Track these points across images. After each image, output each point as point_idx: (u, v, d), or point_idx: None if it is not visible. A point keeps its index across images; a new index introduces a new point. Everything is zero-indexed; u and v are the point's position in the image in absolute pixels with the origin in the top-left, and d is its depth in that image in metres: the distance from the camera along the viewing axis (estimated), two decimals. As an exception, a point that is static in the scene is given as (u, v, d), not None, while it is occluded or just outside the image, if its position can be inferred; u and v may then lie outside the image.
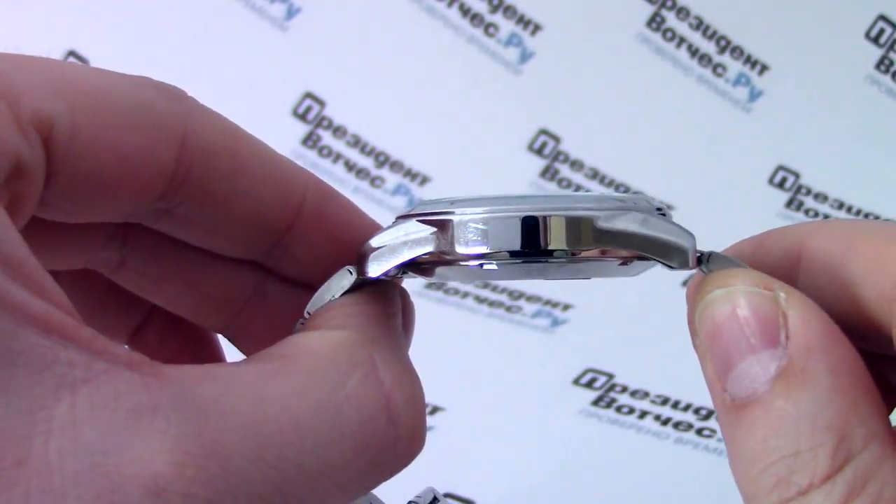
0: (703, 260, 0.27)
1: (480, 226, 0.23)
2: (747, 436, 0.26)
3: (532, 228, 0.23)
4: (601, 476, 0.71)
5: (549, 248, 0.23)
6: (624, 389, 0.76)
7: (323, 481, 0.21)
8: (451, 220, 0.23)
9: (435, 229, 0.23)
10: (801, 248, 0.29)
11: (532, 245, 0.23)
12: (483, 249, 0.23)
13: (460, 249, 0.23)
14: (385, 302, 0.27)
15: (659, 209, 0.26)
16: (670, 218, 0.26)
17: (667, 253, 0.25)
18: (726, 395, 0.26)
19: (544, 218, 0.23)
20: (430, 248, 0.23)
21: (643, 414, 0.76)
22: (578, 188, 0.76)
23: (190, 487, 0.18)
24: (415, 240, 0.24)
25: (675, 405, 0.76)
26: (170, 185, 0.25)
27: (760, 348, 0.27)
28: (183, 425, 0.18)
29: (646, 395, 0.76)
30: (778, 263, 0.29)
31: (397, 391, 0.23)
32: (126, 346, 0.22)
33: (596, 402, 0.76)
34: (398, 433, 0.23)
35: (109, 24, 0.74)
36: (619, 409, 0.76)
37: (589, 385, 0.76)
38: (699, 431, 0.75)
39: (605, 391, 0.76)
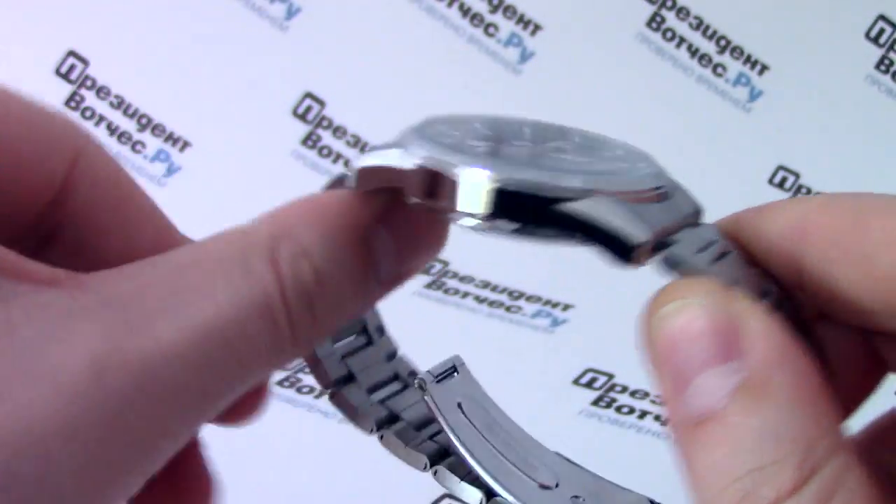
0: (669, 263, 0.24)
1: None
2: (708, 453, 0.25)
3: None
4: (601, 475, 0.71)
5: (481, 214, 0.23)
6: (624, 389, 0.76)
7: (238, 343, 0.23)
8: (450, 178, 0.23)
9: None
10: (807, 221, 0.28)
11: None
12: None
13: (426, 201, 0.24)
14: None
15: (659, 189, 0.25)
16: (668, 202, 0.25)
17: (608, 240, 0.23)
18: (683, 412, 0.26)
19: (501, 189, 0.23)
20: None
21: (643, 414, 0.76)
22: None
23: (126, 362, 0.20)
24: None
25: (675, 405, 0.76)
26: (55, 199, 0.26)
27: (718, 362, 0.26)
28: (113, 316, 0.21)
29: (646, 394, 0.76)
30: (782, 235, 0.28)
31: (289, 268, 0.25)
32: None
33: (596, 402, 0.76)
34: (291, 308, 0.25)
35: (109, 24, 0.74)
36: (619, 409, 0.76)
37: (589, 385, 0.75)
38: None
39: (605, 391, 0.76)
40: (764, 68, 0.78)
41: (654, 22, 0.77)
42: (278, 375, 0.65)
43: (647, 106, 0.78)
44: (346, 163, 0.77)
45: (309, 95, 0.76)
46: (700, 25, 0.77)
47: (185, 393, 0.22)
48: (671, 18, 0.77)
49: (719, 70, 0.78)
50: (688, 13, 0.77)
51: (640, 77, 0.78)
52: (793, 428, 0.26)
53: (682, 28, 0.77)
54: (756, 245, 0.27)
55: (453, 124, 0.27)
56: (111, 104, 0.74)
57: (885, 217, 0.26)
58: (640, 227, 0.23)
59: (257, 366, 0.25)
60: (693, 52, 0.77)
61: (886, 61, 0.77)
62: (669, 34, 0.77)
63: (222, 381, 0.23)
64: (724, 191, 0.82)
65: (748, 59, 0.78)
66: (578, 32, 0.78)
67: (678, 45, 0.77)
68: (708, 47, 0.77)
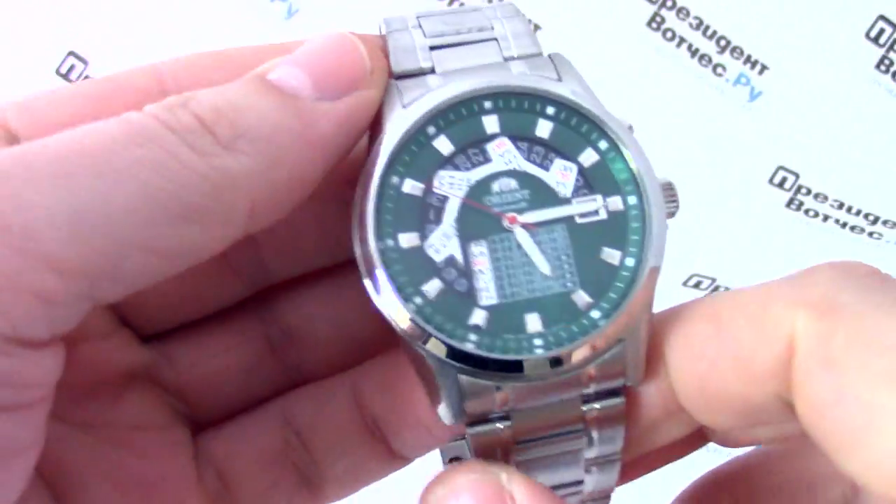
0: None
1: None
2: None
3: None
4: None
5: None
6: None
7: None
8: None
9: None
10: (663, 341, 0.33)
11: None
12: None
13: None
14: None
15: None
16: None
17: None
18: None
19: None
20: None
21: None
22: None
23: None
24: None
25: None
26: None
27: None
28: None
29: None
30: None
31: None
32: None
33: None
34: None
35: (109, 25, 0.74)
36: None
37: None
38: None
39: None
40: (764, 68, 0.78)
41: (654, 22, 0.77)
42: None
43: (646, 105, 0.78)
44: None
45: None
46: (700, 25, 0.77)
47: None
48: (671, 18, 0.77)
49: (719, 70, 0.78)
50: (688, 13, 0.77)
51: (640, 77, 0.78)
52: None
53: (682, 28, 0.77)
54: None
55: None
56: (111, 104, 0.74)
57: (747, 313, 0.31)
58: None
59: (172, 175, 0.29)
60: (693, 52, 0.77)
61: (886, 61, 0.78)
62: (669, 34, 0.77)
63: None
64: (725, 191, 0.82)
65: (748, 59, 0.78)
66: (578, 33, 0.78)
67: (678, 45, 0.77)
68: (708, 47, 0.77)
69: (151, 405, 0.38)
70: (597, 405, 0.34)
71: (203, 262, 0.32)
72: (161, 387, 0.39)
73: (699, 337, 0.32)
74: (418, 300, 0.34)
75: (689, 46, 0.77)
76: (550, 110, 0.36)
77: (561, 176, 0.35)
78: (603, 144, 0.35)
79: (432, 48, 0.36)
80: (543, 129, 0.36)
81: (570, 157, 0.35)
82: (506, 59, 0.36)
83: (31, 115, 0.31)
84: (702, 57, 0.77)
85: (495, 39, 0.36)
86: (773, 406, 0.30)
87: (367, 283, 0.34)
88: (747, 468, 0.37)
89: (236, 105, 0.31)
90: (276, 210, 0.32)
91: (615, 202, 0.35)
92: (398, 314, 0.34)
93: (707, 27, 0.77)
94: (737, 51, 0.77)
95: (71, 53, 0.74)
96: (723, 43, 0.77)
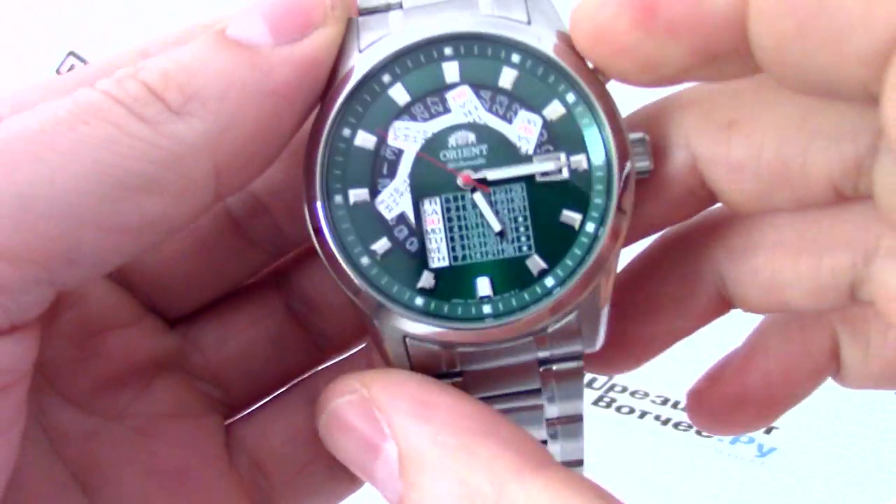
0: None
1: None
2: None
3: None
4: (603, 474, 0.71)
5: None
6: (624, 390, 0.76)
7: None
8: None
9: None
10: (745, 10, 0.28)
11: None
12: None
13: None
14: None
15: None
16: None
17: None
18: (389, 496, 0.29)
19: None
20: None
21: (643, 414, 0.76)
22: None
23: None
24: None
25: (675, 405, 0.76)
26: None
27: (375, 454, 0.30)
28: None
29: (646, 395, 0.76)
30: (717, 28, 0.28)
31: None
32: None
33: (596, 402, 0.76)
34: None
35: (109, 25, 0.74)
36: (619, 410, 0.76)
37: (588, 385, 0.76)
38: (699, 431, 0.75)
39: (605, 391, 0.76)
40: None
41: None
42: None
43: (645, 102, 0.78)
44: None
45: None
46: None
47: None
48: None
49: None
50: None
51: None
52: (456, 490, 0.28)
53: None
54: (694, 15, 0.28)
55: None
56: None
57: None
58: None
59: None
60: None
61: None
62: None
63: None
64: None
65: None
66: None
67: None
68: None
69: (181, 392, 0.38)
70: (553, 366, 0.34)
71: (180, 231, 0.31)
72: (190, 373, 0.38)
73: None
74: (365, 260, 0.32)
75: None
76: (515, 58, 0.33)
77: (524, 130, 0.33)
78: (570, 97, 0.33)
79: None
80: (507, 78, 0.33)
81: (535, 109, 0.33)
82: None
83: (23, 108, 0.31)
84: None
85: None
86: (853, 91, 0.27)
87: (314, 241, 0.33)
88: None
89: (187, 67, 0.29)
90: (248, 169, 0.31)
91: (579, 161, 0.33)
92: (343, 275, 0.32)
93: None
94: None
95: (71, 53, 0.74)
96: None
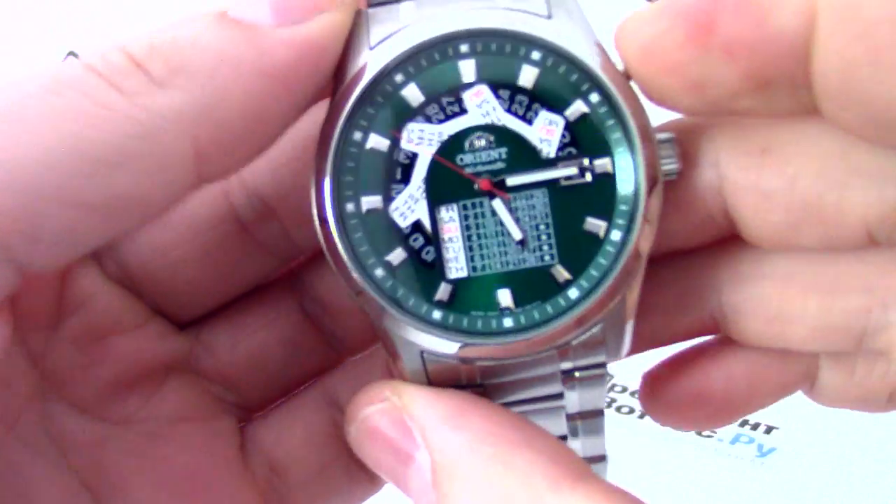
0: None
1: None
2: None
3: None
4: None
5: None
6: (624, 390, 0.76)
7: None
8: None
9: None
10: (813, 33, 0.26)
11: None
12: None
13: None
14: None
15: None
16: None
17: None
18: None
19: None
20: None
21: (643, 414, 0.76)
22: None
23: None
24: None
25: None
26: None
27: (407, 463, 0.29)
28: None
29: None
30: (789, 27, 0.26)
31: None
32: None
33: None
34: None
35: (109, 24, 0.74)
36: (619, 410, 0.76)
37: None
38: (699, 431, 0.75)
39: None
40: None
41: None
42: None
43: (645, 104, 0.78)
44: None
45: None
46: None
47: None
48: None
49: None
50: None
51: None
52: (492, 498, 0.27)
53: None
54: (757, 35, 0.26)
55: None
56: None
57: None
58: None
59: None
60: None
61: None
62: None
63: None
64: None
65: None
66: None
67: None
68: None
69: (192, 395, 0.37)
70: (576, 373, 0.32)
71: (158, 214, 0.29)
72: (202, 375, 0.38)
73: None
74: (379, 272, 0.31)
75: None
76: (535, 55, 0.31)
77: (545, 132, 0.31)
78: (594, 97, 0.31)
79: None
80: (527, 76, 0.31)
81: (557, 109, 0.31)
82: None
83: None
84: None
85: None
86: None
87: (325, 250, 0.31)
88: None
89: (177, 39, 0.28)
90: (233, 152, 0.30)
91: (604, 164, 0.31)
92: (356, 287, 0.31)
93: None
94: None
95: (71, 54, 0.74)
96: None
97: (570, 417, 0.34)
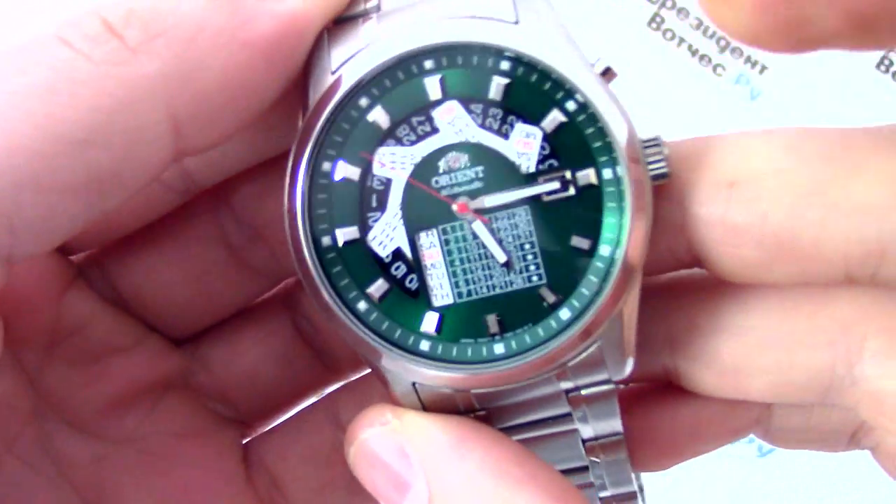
0: None
1: None
2: None
3: None
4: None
5: None
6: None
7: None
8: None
9: None
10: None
11: None
12: None
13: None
14: None
15: None
16: None
17: None
18: None
19: None
20: None
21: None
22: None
23: None
24: None
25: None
26: None
27: (404, 491, 0.28)
28: None
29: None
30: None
31: None
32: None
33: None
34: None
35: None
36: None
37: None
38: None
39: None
40: (764, 68, 0.78)
41: (655, 22, 0.77)
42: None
43: (646, 105, 0.78)
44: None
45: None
46: (700, 25, 0.77)
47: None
48: (671, 18, 0.77)
49: (719, 70, 0.77)
50: (688, 14, 0.77)
51: (640, 76, 0.78)
52: None
53: (682, 28, 0.77)
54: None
55: None
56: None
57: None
58: None
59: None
60: (693, 52, 0.77)
61: (886, 61, 0.77)
62: (669, 34, 0.77)
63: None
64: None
65: (748, 59, 0.77)
66: (579, 32, 0.78)
67: (678, 45, 0.77)
68: (708, 47, 0.77)
69: (190, 412, 0.37)
70: (581, 391, 0.30)
71: (133, 191, 0.28)
72: (199, 392, 0.38)
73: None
74: (362, 305, 0.30)
75: (689, 46, 0.77)
76: (505, 65, 0.29)
77: (523, 145, 0.29)
78: (570, 105, 0.29)
79: None
80: (498, 88, 0.29)
81: (533, 120, 0.29)
82: None
83: None
84: (702, 57, 0.77)
85: None
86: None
87: (305, 287, 0.30)
88: None
89: (156, 6, 0.27)
90: (212, 126, 0.28)
91: (587, 175, 0.29)
92: (340, 324, 0.30)
93: (707, 27, 0.77)
94: (737, 51, 0.77)
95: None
96: (723, 43, 0.77)
97: (589, 446, 0.32)
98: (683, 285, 0.33)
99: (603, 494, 0.33)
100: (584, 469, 0.33)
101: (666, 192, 0.30)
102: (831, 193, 0.27)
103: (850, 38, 0.24)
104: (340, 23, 0.30)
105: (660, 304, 0.33)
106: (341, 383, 0.39)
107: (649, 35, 0.77)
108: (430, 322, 0.30)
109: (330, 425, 0.37)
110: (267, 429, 0.39)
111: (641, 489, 0.34)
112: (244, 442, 0.39)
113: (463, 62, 0.30)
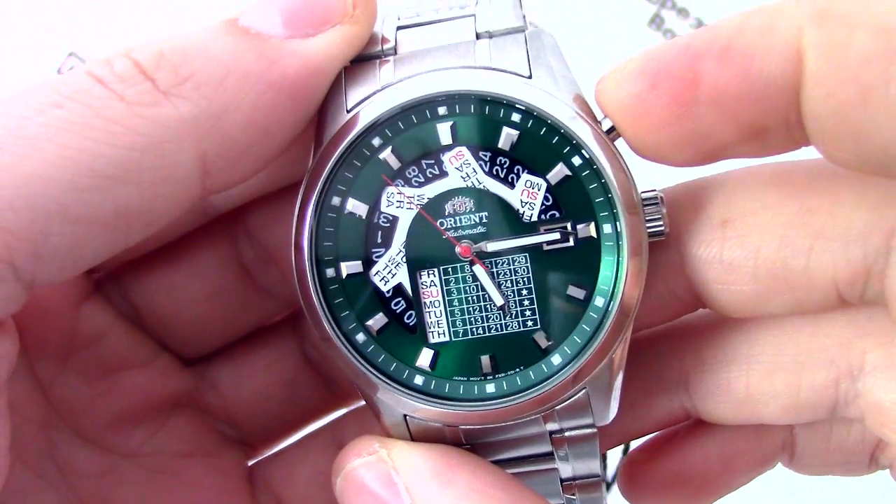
0: None
1: None
2: None
3: None
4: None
5: None
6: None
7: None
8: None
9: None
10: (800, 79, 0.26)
11: None
12: None
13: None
14: None
15: None
16: None
17: None
18: None
19: None
20: None
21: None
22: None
23: None
24: None
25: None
26: None
27: None
28: None
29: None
30: (778, 69, 0.26)
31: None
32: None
33: None
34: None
35: (109, 26, 0.74)
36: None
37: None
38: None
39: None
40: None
41: (655, 22, 0.77)
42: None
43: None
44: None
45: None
46: (700, 25, 0.77)
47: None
48: (671, 18, 0.77)
49: (719, 70, 0.78)
50: (688, 14, 0.77)
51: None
52: None
53: (682, 28, 0.77)
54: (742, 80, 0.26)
55: None
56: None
57: None
58: None
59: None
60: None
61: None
62: (669, 35, 0.77)
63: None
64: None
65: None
66: (580, 32, 0.78)
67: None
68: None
69: (198, 431, 0.38)
70: (565, 433, 0.32)
71: (159, 225, 0.29)
72: (207, 412, 0.38)
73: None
74: (361, 337, 0.31)
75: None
76: (515, 117, 0.30)
77: (527, 195, 0.31)
78: (576, 160, 0.30)
79: (399, 28, 0.31)
80: (507, 138, 0.30)
81: (539, 172, 0.31)
82: (478, 36, 0.31)
83: None
84: (702, 57, 0.77)
85: (473, 15, 0.31)
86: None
87: (307, 316, 0.31)
88: None
89: (185, 48, 0.27)
90: (239, 164, 0.29)
91: (587, 229, 0.30)
92: (338, 353, 0.31)
93: (707, 27, 0.77)
94: (737, 51, 0.77)
95: (71, 54, 0.73)
96: (723, 43, 0.77)
97: (567, 486, 0.33)
98: (689, 327, 0.34)
99: None
100: None
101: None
102: (816, 222, 0.29)
103: (744, 146, 0.27)
104: (357, 62, 0.31)
105: (668, 347, 0.34)
106: (346, 409, 0.40)
107: (649, 35, 0.77)
108: (425, 358, 0.31)
109: (334, 449, 0.37)
110: (272, 452, 0.40)
111: None
112: (250, 464, 0.39)
113: (475, 111, 0.31)
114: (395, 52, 0.31)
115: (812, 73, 0.25)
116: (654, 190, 0.31)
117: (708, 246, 0.30)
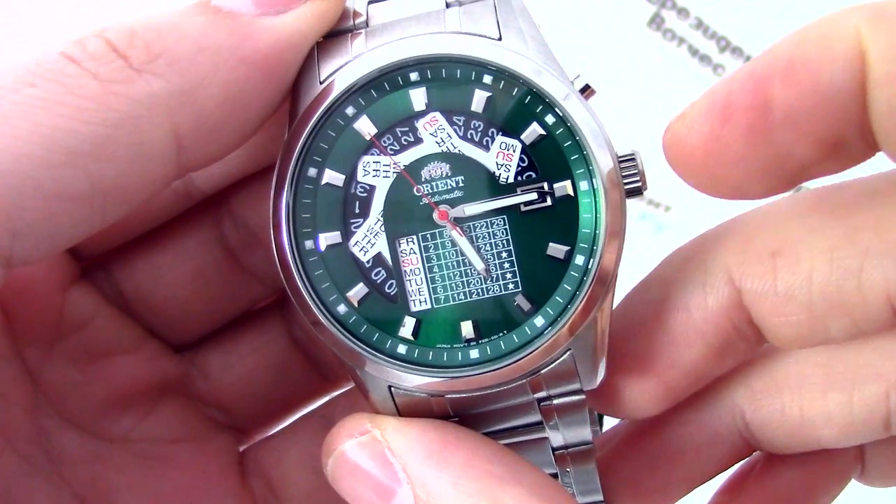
0: None
1: None
2: None
3: None
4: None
5: None
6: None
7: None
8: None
9: None
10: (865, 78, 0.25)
11: None
12: None
13: None
14: None
15: None
16: None
17: None
18: None
19: None
20: None
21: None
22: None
23: None
24: None
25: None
26: None
27: (387, 498, 0.28)
28: None
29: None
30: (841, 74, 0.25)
31: None
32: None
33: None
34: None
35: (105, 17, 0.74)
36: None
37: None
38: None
39: None
40: (764, 68, 0.78)
41: (655, 22, 0.77)
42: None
43: (647, 105, 0.78)
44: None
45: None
46: (700, 25, 0.77)
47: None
48: (671, 18, 0.77)
49: (719, 70, 0.77)
50: (688, 14, 0.77)
51: (641, 76, 0.78)
52: None
53: (682, 28, 0.77)
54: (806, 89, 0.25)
55: None
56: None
57: None
58: None
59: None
60: (693, 52, 0.77)
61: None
62: (669, 34, 0.77)
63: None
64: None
65: (748, 59, 0.77)
66: (580, 32, 0.78)
67: (678, 45, 0.77)
68: (708, 47, 0.77)
69: (187, 416, 0.38)
70: (553, 401, 0.31)
71: (137, 202, 0.29)
72: (197, 398, 0.38)
73: None
74: (342, 308, 0.31)
75: (689, 46, 0.77)
76: (487, 79, 0.31)
77: (502, 157, 0.31)
78: (549, 119, 0.30)
79: (371, 2, 0.32)
80: (480, 101, 0.31)
81: (513, 133, 0.31)
82: (448, 5, 0.31)
83: None
84: (702, 57, 0.77)
85: None
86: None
87: (287, 290, 0.31)
88: None
89: (158, 27, 0.28)
90: (214, 140, 0.29)
91: (564, 187, 0.30)
92: (319, 325, 0.31)
93: (707, 27, 0.77)
94: (737, 51, 0.77)
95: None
96: (723, 43, 0.77)
97: (559, 455, 0.33)
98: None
99: None
100: (554, 477, 0.33)
101: (714, 274, 0.31)
102: (863, 239, 0.28)
103: (825, 163, 0.26)
104: (330, 37, 0.31)
105: (718, 384, 0.34)
106: (336, 392, 0.40)
107: (649, 35, 0.77)
108: (407, 326, 0.31)
109: (325, 432, 0.37)
110: (266, 435, 0.39)
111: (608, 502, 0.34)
112: (241, 448, 0.39)
113: (447, 75, 0.31)
114: (367, 25, 0.31)
115: (875, 74, 0.25)
116: (630, 150, 0.31)
117: (761, 279, 0.30)
